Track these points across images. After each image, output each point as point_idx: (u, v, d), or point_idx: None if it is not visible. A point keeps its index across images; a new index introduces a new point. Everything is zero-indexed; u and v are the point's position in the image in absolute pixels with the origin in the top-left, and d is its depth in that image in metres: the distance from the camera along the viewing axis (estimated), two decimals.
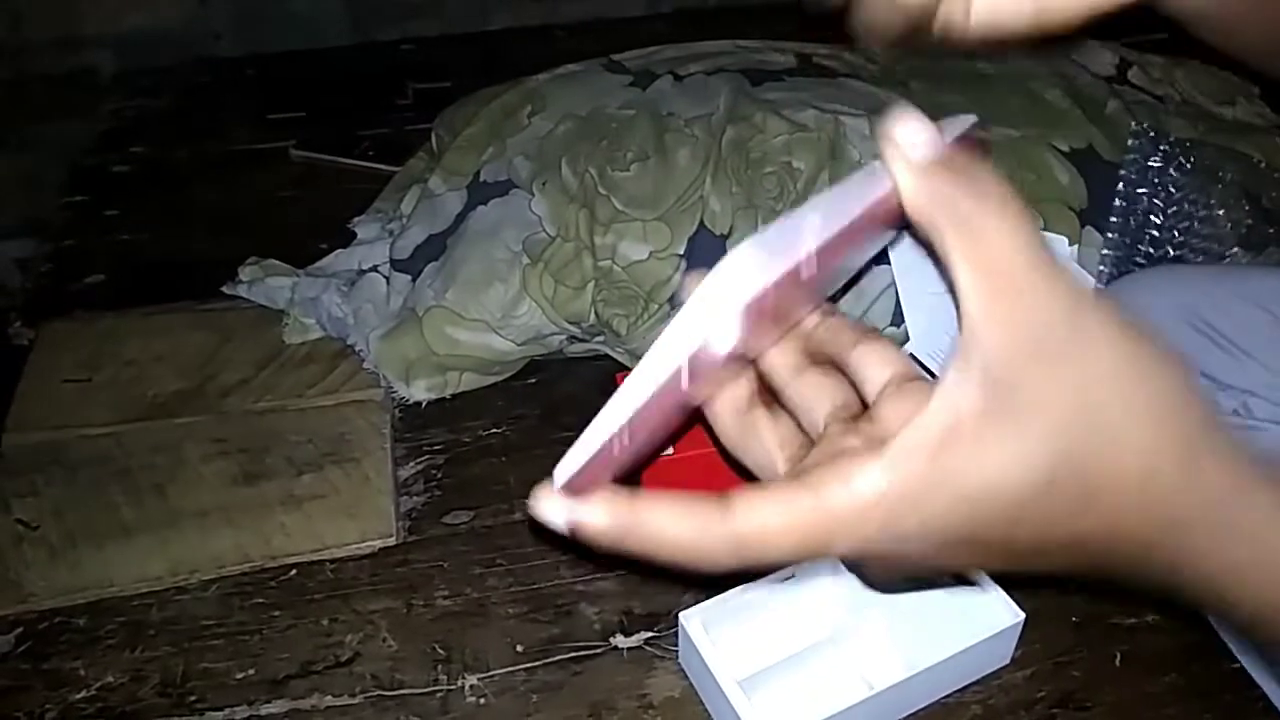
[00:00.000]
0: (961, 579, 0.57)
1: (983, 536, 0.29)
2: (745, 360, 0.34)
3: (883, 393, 0.33)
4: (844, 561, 0.32)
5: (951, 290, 0.28)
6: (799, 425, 0.35)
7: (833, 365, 0.35)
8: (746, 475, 0.35)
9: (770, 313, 0.29)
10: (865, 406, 0.34)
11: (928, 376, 0.36)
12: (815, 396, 0.34)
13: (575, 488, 0.30)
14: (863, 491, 0.28)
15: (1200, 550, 0.30)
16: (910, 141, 0.28)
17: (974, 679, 0.59)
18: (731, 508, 0.29)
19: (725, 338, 0.28)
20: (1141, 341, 0.28)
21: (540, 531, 0.68)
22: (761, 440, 0.34)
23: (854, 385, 0.34)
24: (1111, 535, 0.29)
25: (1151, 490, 0.28)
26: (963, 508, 0.28)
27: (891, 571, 0.31)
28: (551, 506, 0.30)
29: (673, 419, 0.31)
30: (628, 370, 0.74)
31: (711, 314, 0.28)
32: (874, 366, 0.34)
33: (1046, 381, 0.27)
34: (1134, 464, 0.28)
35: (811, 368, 0.35)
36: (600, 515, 0.30)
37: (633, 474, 0.32)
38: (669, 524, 0.30)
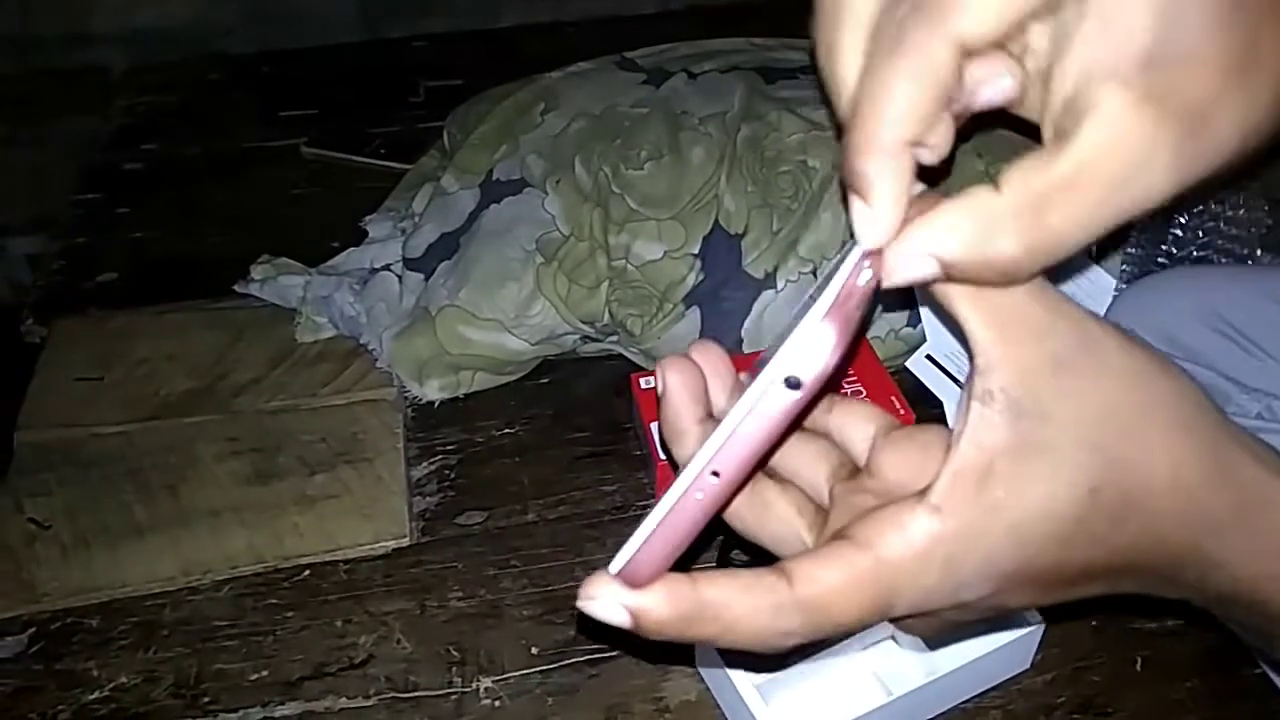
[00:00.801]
0: (1006, 624, 0.56)
1: (1037, 566, 0.29)
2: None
3: (873, 447, 0.34)
4: (897, 623, 0.31)
5: (957, 330, 0.28)
6: (804, 493, 0.35)
7: (811, 432, 0.36)
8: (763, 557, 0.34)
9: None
10: (856, 465, 0.35)
11: (898, 420, 0.36)
12: (810, 463, 0.35)
13: (632, 577, 0.28)
14: (918, 537, 0.28)
15: (1234, 551, 0.30)
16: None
17: (994, 684, 0.58)
18: (792, 574, 0.28)
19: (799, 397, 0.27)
20: (1150, 355, 0.29)
21: (555, 535, 0.68)
22: (776, 511, 0.34)
23: (839, 446, 0.35)
24: (1151, 544, 0.29)
25: (1182, 494, 0.29)
26: (1014, 538, 0.28)
27: (947, 625, 0.31)
28: (607, 600, 0.28)
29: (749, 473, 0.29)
30: (642, 370, 0.74)
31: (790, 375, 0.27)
32: (854, 425, 0.35)
33: (1069, 399, 0.27)
34: (1164, 469, 0.28)
35: (793, 438, 0.35)
36: (662, 602, 0.28)
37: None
38: (735, 602, 0.28)
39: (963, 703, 0.57)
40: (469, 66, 1.20)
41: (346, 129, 1.10)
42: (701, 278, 0.75)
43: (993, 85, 0.27)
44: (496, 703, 0.59)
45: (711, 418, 0.35)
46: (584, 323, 0.77)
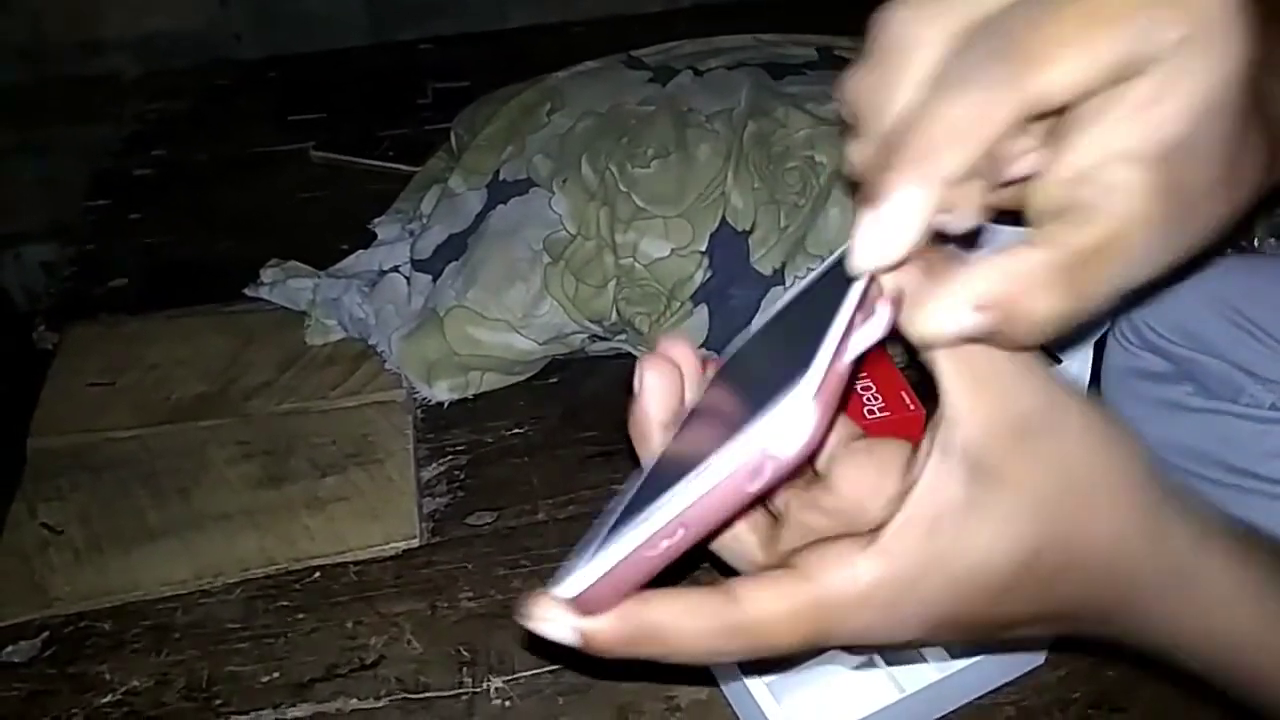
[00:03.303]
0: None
1: (969, 614, 0.30)
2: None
3: (831, 456, 0.35)
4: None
5: (931, 376, 0.28)
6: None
7: None
8: (722, 569, 0.35)
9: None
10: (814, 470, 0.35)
11: (860, 428, 0.37)
12: None
13: (585, 605, 0.28)
14: (863, 579, 0.28)
15: (1163, 613, 0.32)
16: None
17: (1007, 680, 0.58)
18: (738, 598, 0.29)
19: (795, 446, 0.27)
20: (1109, 421, 0.30)
21: (568, 540, 0.68)
22: (731, 527, 0.34)
23: None
24: (1084, 601, 0.31)
25: (1121, 561, 0.30)
26: (951, 589, 0.29)
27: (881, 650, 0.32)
28: (558, 621, 0.29)
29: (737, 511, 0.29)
30: None
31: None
32: None
33: (1026, 463, 0.28)
34: (1106, 537, 0.30)
35: None
36: (611, 625, 0.29)
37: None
38: (682, 624, 0.29)
39: (976, 699, 0.57)
40: (476, 68, 1.21)
41: (355, 132, 1.11)
42: (709, 275, 0.75)
43: (1028, 160, 0.28)
44: (507, 703, 0.59)
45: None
46: (592, 321, 0.77)
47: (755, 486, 0.26)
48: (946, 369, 0.28)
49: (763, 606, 0.29)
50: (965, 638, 0.32)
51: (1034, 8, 0.26)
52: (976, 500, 0.28)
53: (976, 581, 0.29)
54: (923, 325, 0.27)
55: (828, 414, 0.26)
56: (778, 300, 0.39)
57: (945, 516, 0.28)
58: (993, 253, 0.27)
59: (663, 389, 0.34)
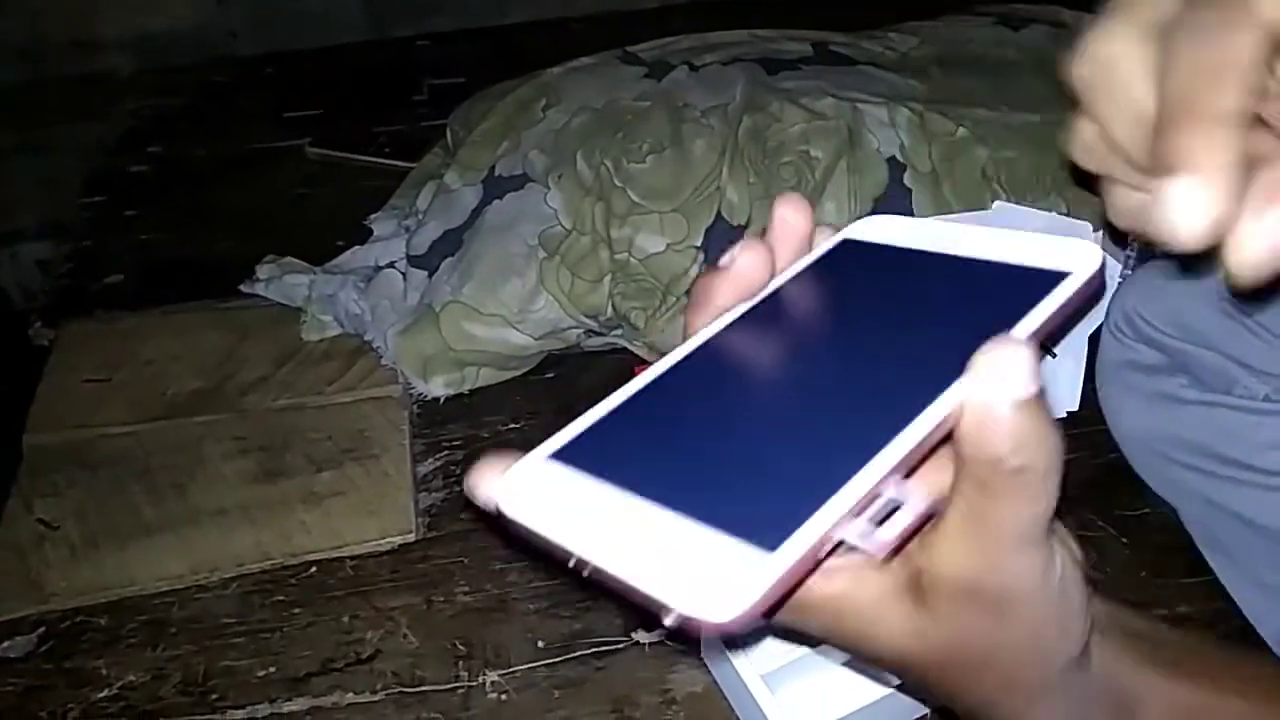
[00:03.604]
0: None
1: (830, 643, 0.31)
2: None
3: None
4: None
5: (937, 506, 0.27)
6: None
7: None
8: None
9: None
10: None
11: None
12: None
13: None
14: (822, 591, 0.29)
15: None
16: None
17: None
18: None
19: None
20: (1066, 618, 0.30)
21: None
22: None
23: None
24: (931, 698, 0.34)
25: (982, 712, 0.32)
26: (828, 631, 0.30)
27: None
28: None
29: None
30: (646, 363, 0.74)
31: None
32: None
33: (957, 618, 0.29)
34: (973, 697, 0.31)
35: None
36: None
37: None
38: None
39: None
40: (473, 64, 1.21)
41: (351, 129, 1.11)
42: (704, 270, 0.75)
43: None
44: (503, 696, 0.59)
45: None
46: (587, 316, 0.77)
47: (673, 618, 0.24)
48: (961, 516, 0.27)
49: None
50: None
51: None
52: (897, 603, 0.29)
53: (852, 642, 0.30)
54: (1240, 252, 0.24)
55: (776, 597, 0.24)
56: (925, 227, 0.34)
57: (863, 593, 0.29)
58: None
59: (746, 280, 0.33)
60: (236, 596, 0.65)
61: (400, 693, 0.59)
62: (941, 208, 0.76)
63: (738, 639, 0.54)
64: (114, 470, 0.73)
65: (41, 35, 1.28)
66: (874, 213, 0.77)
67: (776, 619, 0.31)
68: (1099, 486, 0.68)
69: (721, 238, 0.74)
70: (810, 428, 0.27)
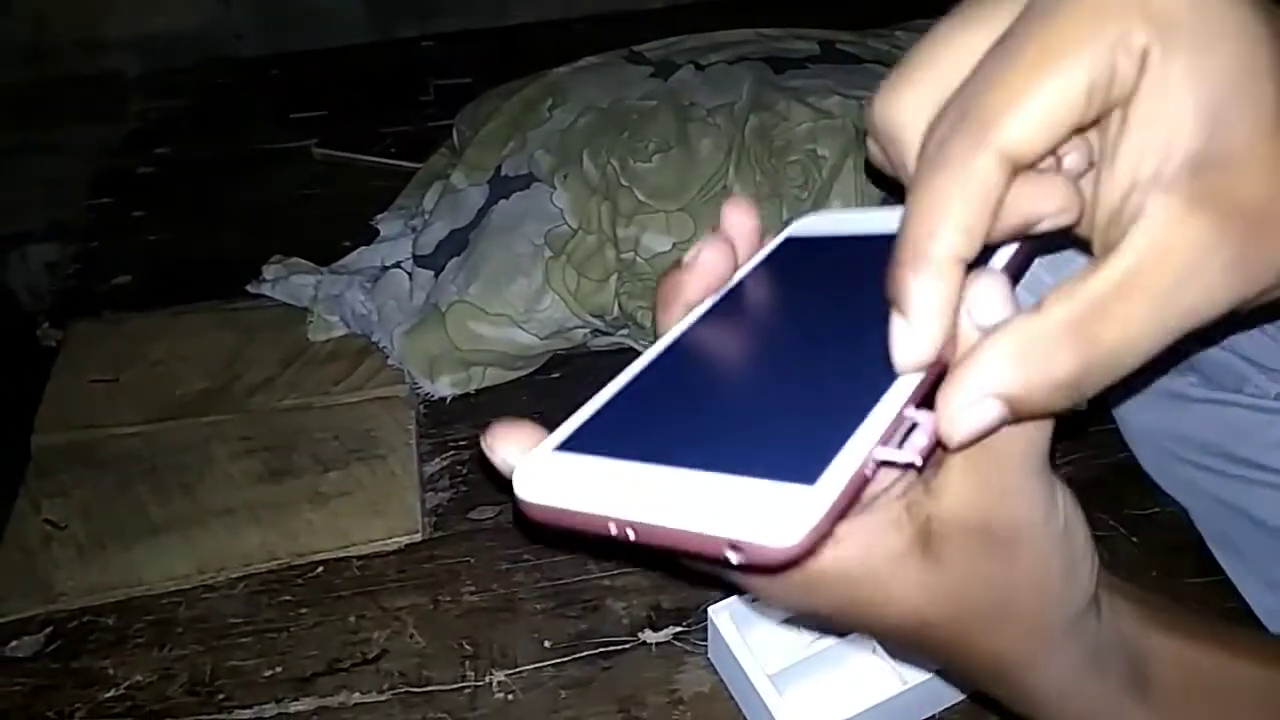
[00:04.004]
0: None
1: (851, 625, 0.32)
2: None
3: None
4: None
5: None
6: None
7: None
8: None
9: None
10: None
11: None
12: None
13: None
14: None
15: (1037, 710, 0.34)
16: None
17: None
18: None
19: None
20: (1065, 563, 0.30)
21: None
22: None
23: None
24: (962, 672, 0.34)
25: (999, 665, 0.32)
26: (843, 607, 0.30)
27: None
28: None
29: None
30: None
31: None
32: None
33: (967, 562, 0.29)
34: (992, 655, 0.31)
35: None
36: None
37: None
38: None
39: (978, 691, 0.57)
40: (478, 64, 1.21)
41: (357, 129, 1.11)
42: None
43: (1054, 219, 0.27)
44: (510, 696, 0.59)
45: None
46: (594, 316, 0.77)
47: (727, 558, 0.25)
48: (962, 453, 0.28)
49: None
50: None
51: (992, 63, 0.25)
52: (908, 560, 0.29)
53: (866, 614, 0.30)
54: (954, 433, 0.25)
55: (829, 526, 0.25)
56: (855, 217, 0.37)
57: (875, 554, 0.29)
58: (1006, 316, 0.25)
59: (712, 273, 0.34)
60: (243, 596, 0.65)
61: (407, 692, 0.59)
62: None
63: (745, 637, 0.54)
64: (121, 470, 0.73)
65: (47, 36, 1.28)
66: None
67: (791, 600, 0.31)
68: (1108, 485, 0.68)
69: None
70: (818, 381, 0.28)
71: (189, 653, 0.62)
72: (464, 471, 0.73)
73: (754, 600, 0.53)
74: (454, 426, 0.77)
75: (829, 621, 0.33)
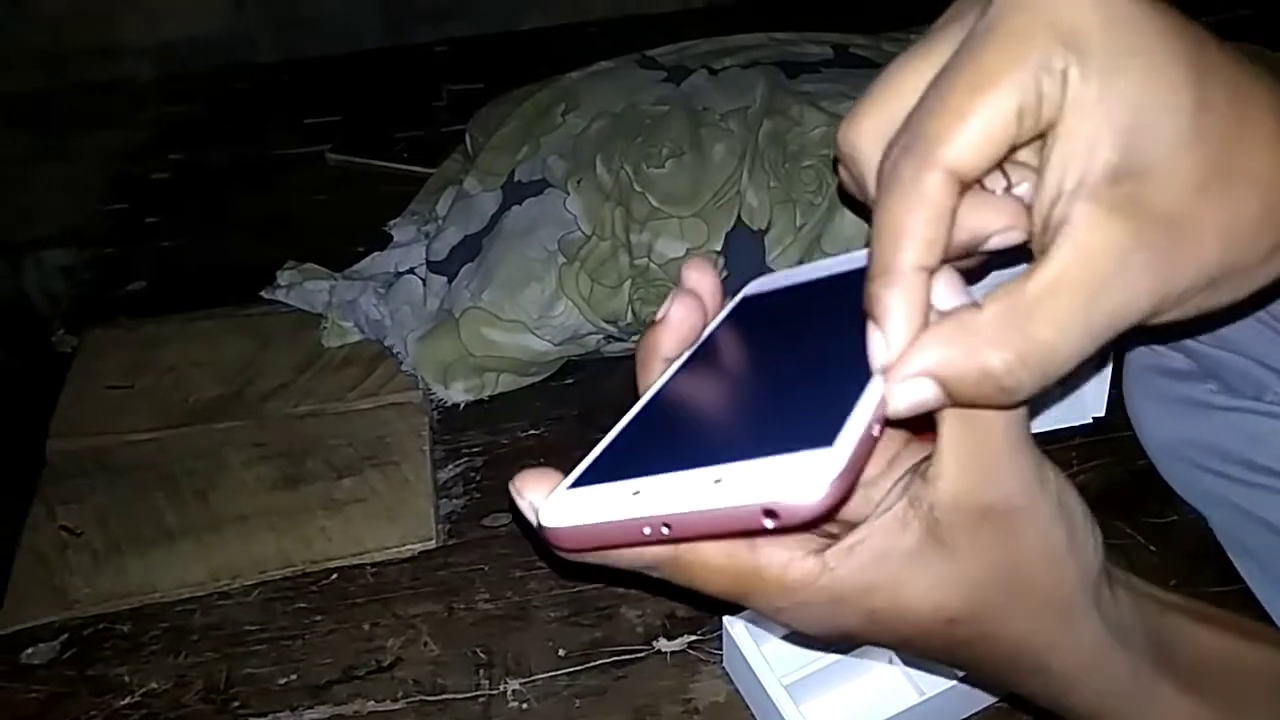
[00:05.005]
0: None
1: (876, 638, 0.33)
2: None
3: None
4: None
5: (930, 424, 0.30)
6: None
7: None
8: None
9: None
10: None
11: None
12: None
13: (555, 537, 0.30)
14: (793, 576, 0.31)
15: (1066, 695, 0.35)
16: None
17: None
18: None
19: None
20: (1069, 531, 0.32)
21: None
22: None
23: None
24: (992, 666, 0.34)
25: (1025, 655, 0.33)
26: (868, 616, 0.31)
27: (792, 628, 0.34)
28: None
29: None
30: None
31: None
32: None
33: (976, 544, 0.30)
34: (1013, 633, 0.32)
35: None
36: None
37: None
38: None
39: (996, 702, 0.56)
40: (491, 69, 1.21)
41: (371, 135, 1.11)
42: (725, 275, 0.74)
43: (1004, 236, 0.30)
44: (524, 705, 0.59)
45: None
46: (607, 322, 0.76)
47: (742, 529, 0.27)
48: (947, 432, 0.30)
49: (703, 552, 0.31)
50: (879, 644, 0.35)
51: (934, 92, 0.28)
52: (921, 556, 0.30)
53: (891, 622, 0.32)
54: (892, 403, 0.28)
55: (848, 486, 0.27)
56: (800, 270, 0.40)
57: (889, 558, 0.30)
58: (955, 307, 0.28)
59: (685, 326, 0.37)
60: (258, 603, 0.65)
61: (421, 701, 0.59)
62: None
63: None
64: (136, 477, 0.73)
65: (62, 43, 1.29)
66: None
67: (815, 619, 0.32)
68: (1126, 494, 0.67)
69: (741, 242, 0.74)
70: (814, 380, 0.31)
71: (204, 660, 0.62)
72: (478, 478, 0.73)
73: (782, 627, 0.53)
74: (468, 433, 0.77)
75: (854, 638, 0.33)
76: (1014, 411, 0.29)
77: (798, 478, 0.26)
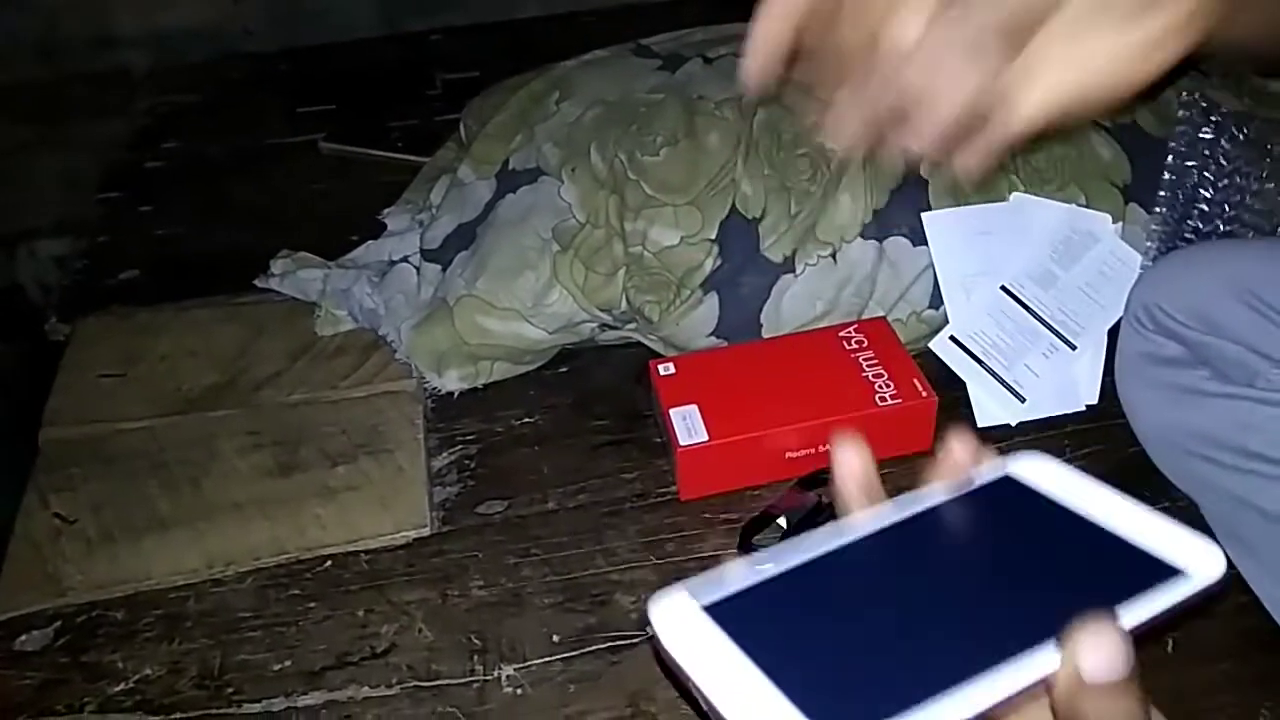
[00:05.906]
0: None
1: None
2: None
3: None
4: None
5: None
6: None
7: None
8: None
9: None
10: None
11: None
12: None
13: None
14: None
15: None
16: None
17: None
18: None
19: None
20: None
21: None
22: None
23: None
24: None
25: None
26: None
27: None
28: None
29: None
30: (660, 357, 0.74)
31: None
32: None
33: None
34: None
35: None
36: None
37: None
38: None
39: None
40: (486, 58, 1.20)
41: (365, 124, 1.11)
42: (719, 263, 0.74)
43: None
44: (518, 690, 0.59)
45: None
46: (601, 310, 0.76)
47: None
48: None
49: None
50: None
51: None
52: None
53: None
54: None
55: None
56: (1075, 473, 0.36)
57: None
58: None
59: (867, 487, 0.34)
60: (252, 590, 0.65)
61: (416, 686, 0.59)
62: (958, 199, 0.75)
63: None
64: (130, 464, 0.73)
65: (58, 32, 1.29)
66: (890, 204, 0.76)
67: None
68: (1118, 481, 0.67)
69: (736, 230, 0.74)
70: (924, 643, 0.28)
71: (198, 646, 0.62)
72: (472, 466, 0.73)
73: None
74: (461, 421, 0.77)
75: None
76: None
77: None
